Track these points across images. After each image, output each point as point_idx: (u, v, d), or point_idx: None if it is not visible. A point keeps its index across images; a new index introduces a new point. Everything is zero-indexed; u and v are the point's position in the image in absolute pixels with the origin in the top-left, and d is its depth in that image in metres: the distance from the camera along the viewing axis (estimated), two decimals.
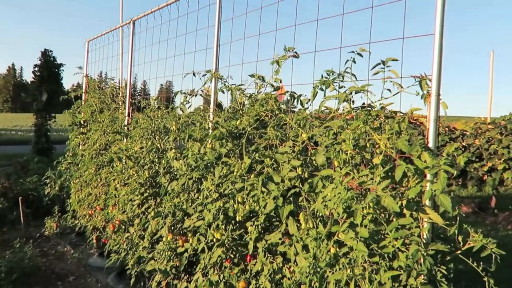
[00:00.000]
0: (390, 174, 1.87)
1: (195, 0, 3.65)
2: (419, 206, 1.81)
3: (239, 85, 2.94)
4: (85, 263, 4.87)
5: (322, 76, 2.22)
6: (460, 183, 8.53)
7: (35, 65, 13.22)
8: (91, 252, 5.22)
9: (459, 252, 1.81)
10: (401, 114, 2.00)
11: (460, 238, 1.81)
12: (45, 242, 5.75)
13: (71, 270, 4.74)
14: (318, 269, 2.02)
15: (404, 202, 1.86)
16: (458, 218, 1.70)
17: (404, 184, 1.94)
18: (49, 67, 13.04)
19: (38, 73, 13.24)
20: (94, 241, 5.07)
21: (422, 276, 1.78)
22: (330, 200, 2.02)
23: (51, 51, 13.41)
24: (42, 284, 4.27)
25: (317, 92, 2.30)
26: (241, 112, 2.99)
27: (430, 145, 1.84)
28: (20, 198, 6.15)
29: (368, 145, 2.04)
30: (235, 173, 2.68)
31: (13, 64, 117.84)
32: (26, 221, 6.49)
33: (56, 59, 13.42)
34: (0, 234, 5.66)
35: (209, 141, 2.97)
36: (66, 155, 5.98)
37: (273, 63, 2.60)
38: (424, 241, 1.82)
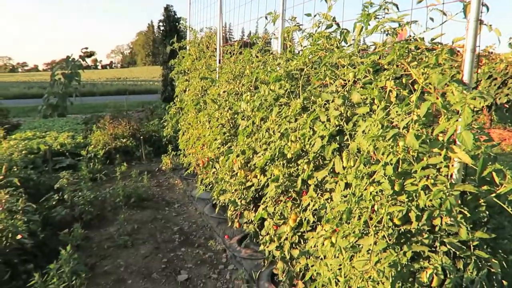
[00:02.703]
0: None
1: None
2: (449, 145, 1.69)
3: (297, 24, 2.92)
4: (188, 194, 5.62)
5: (363, 9, 2.10)
6: None
7: (159, 20, 14.58)
8: (195, 185, 5.97)
9: (493, 195, 1.66)
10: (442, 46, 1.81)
11: (497, 180, 1.65)
12: (161, 175, 6.74)
13: (178, 199, 5.54)
14: (352, 205, 2.07)
15: (444, 139, 1.75)
16: (481, 156, 1.54)
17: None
18: (170, 21, 14.23)
19: (162, 27, 14.60)
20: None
21: (448, 217, 1.70)
22: (363, 138, 2.00)
23: (172, 6, 14.55)
24: (154, 208, 5.12)
25: (362, 27, 2.19)
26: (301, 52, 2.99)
27: (465, 78, 1.65)
28: (141, 137, 7.22)
29: (404, 80, 1.91)
30: (289, 113, 2.78)
31: (151, 21, 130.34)
32: (149, 157, 7.65)
33: (176, 13, 14.53)
34: (129, 167, 6.80)
35: (272, 83, 3.08)
36: (175, 100, 6.72)
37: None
38: (453, 182, 1.71)
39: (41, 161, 6.24)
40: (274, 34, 3.68)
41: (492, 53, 9.25)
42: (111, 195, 5.15)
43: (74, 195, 4.72)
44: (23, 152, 6.01)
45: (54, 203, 4.50)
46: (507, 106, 7.92)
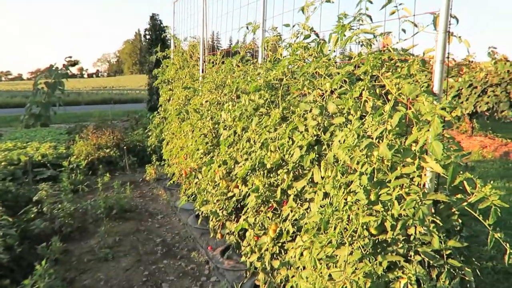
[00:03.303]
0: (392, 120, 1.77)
1: None
2: (421, 154, 1.70)
3: (277, 34, 2.94)
4: (172, 205, 5.57)
5: (338, 20, 2.12)
6: None
7: (145, 29, 14.54)
8: (179, 196, 5.91)
9: (465, 204, 1.67)
10: (414, 56, 1.84)
11: (469, 189, 1.67)
12: (145, 185, 6.67)
13: (161, 209, 5.47)
14: (327, 216, 2.07)
15: (416, 149, 1.77)
16: (451, 166, 1.56)
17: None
18: (156, 30, 14.21)
19: (148, 36, 14.57)
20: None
21: (421, 226, 1.71)
22: (339, 148, 2.01)
23: (157, 15, 14.55)
24: (136, 219, 5.05)
25: (337, 37, 2.21)
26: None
27: (435, 89, 1.68)
28: (125, 148, 7.15)
29: (378, 90, 1.93)
30: (269, 123, 2.78)
31: (138, 30, 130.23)
32: (133, 168, 7.57)
33: (162, 22, 14.53)
34: (112, 178, 6.71)
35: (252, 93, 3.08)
36: (159, 110, 6.69)
37: (300, 11, 2.54)
38: (426, 191, 1.72)
39: (21, 172, 6.11)
40: (256, 44, 3.69)
41: (472, 62, 9.45)
42: (93, 206, 5.06)
43: (53, 207, 4.62)
44: (3, 163, 5.89)
45: (33, 215, 4.40)
46: (488, 114, 8.08)
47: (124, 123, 12.50)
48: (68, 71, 13.13)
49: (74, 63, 12.63)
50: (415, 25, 1.82)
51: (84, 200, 5.29)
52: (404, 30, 1.87)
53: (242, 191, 3.21)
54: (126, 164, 7.33)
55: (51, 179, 6.25)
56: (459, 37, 1.75)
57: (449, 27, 1.65)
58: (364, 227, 1.82)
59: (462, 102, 8.40)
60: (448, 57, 1.65)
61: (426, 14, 1.79)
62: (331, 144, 2.25)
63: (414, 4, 1.79)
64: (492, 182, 6.26)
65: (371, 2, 2.00)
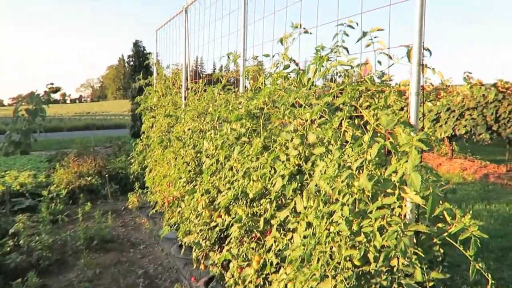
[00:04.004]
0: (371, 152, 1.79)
1: None
2: (401, 185, 1.71)
3: (257, 64, 2.98)
4: (155, 234, 5.45)
5: (316, 52, 2.17)
6: None
7: (129, 56, 14.61)
8: (162, 224, 5.79)
9: (445, 234, 1.68)
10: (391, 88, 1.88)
11: (449, 219, 1.68)
12: (128, 214, 6.53)
13: (144, 239, 5.34)
14: (311, 246, 2.05)
15: (396, 179, 1.78)
16: (431, 197, 1.57)
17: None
18: (139, 57, 14.28)
19: (131, 63, 14.61)
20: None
21: (404, 258, 1.70)
22: (320, 178, 2.02)
23: (141, 41, 14.66)
24: (118, 250, 4.91)
25: (316, 68, 2.25)
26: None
27: (412, 120, 1.71)
28: (107, 175, 7.02)
29: (356, 121, 1.96)
30: (251, 152, 2.78)
31: (122, 55, 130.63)
32: (115, 196, 7.43)
33: (146, 48, 14.63)
34: (93, 207, 6.55)
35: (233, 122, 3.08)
36: (141, 137, 6.63)
37: (279, 41, 2.58)
38: (407, 222, 1.73)
39: None
40: (237, 72, 3.73)
41: (449, 86, 9.74)
42: (72, 238, 4.91)
43: (31, 239, 4.47)
44: None
45: (8, 249, 4.24)
46: (466, 136, 8.27)
47: (107, 149, 12.33)
48: (50, 97, 13.00)
49: (56, 90, 12.52)
50: (390, 58, 1.87)
51: (63, 231, 5.13)
52: (379, 62, 1.92)
53: (225, 220, 3.16)
54: (108, 192, 7.19)
55: (29, 209, 6.07)
56: (433, 69, 1.80)
57: (423, 60, 1.70)
58: (348, 259, 1.81)
59: (441, 125, 8.60)
60: (423, 89, 1.68)
61: (401, 46, 1.84)
62: (313, 173, 2.25)
63: (389, 37, 1.85)
64: (473, 205, 6.35)
65: (347, 35, 2.05)
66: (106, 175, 7.32)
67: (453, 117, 8.29)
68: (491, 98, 7.83)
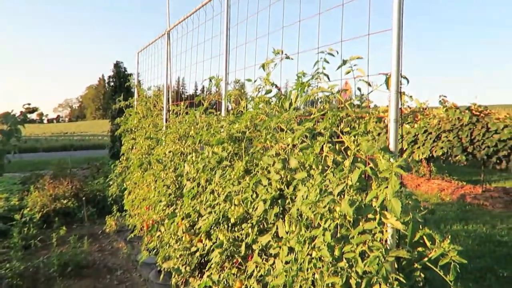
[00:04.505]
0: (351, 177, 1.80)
1: (218, 7, 3.78)
2: (382, 210, 1.72)
3: (239, 89, 3.00)
4: (133, 259, 5.29)
5: (297, 78, 2.20)
6: None
7: (109, 76, 14.50)
8: (140, 249, 5.64)
9: (426, 259, 1.69)
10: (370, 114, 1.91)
11: (429, 244, 1.69)
12: (105, 238, 6.34)
13: (121, 264, 5.18)
14: (293, 272, 2.02)
15: (376, 205, 1.79)
16: (411, 223, 1.59)
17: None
18: (120, 78, 14.20)
19: (112, 83, 14.50)
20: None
21: (386, 284, 1.70)
22: (302, 203, 2.01)
23: (122, 62, 14.60)
24: (93, 277, 4.74)
25: (297, 94, 2.28)
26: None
27: (391, 146, 1.74)
28: (84, 198, 6.85)
29: (337, 146, 1.98)
30: (233, 176, 2.76)
31: (102, 75, 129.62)
32: (92, 219, 7.22)
33: (127, 69, 14.57)
34: (69, 231, 6.35)
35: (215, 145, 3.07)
36: (121, 159, 6.52)
37: (261, 67, 2.62)
38: (388, 247, 1.73)
39: None
40: (219, 96, 3.74)
41: (426, 109, 10.03)
42: (45, 264, 4.72)
43: (1, 266, 4.27)
44: None
45: None
46: (443, 158, 8.48)
47: (85, 171, 12.05)
48: (26, 117, 12.69)
49: (33, 110, 12.22)
50: (369, 85, 1.91)
51: (36, 257, 4.94)
52: (359, 89, 1.96)
53: (206, 245, 3.11)
54: (84, 216, 6.99)
55: (1, 234, 5.83)
56: (410, 96, 1.85)
57: (401, 87, 1.75)
58: (330, 285, 1.79)
59: (419, 147, 8.79)
60: (401, 117, 1.72)
61: (380, 74, 1.89)
62: (295, 198, 2.25)
63: (368, 66, 1.89)
64: (451, 225, 6.45)
65: (327, 62, 2.09)
66: (83, 198, 7.13)
67: (430, 139, 8.51)
68: (465, 121, 8.08)
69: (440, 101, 8.71)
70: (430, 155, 8.49)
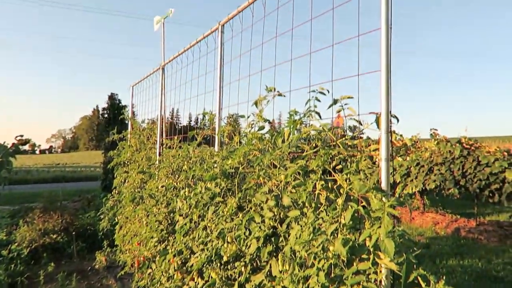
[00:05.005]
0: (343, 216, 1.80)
1: (212, 43, 3.88)
2: (375, 250, 1.71)
3: (232, 124, 3.03)
4: None
5: (290, 116, 2.24)
6: None
7: (103, 108, 14.58)
8: (131, 286, 5.48)
9: None
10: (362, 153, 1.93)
11: (423, 285, 1.67)
12: (94, 275, 6.16)
13: None
14: None
15: (370, 244, 1.78)
16: (404, 264, 1.57)
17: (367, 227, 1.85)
18: (114, 110, 14.28)
19: (106, 115, 14.56)
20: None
21: None
22: (295, 242, 1.99)
23: (117, 94, 14.74)
24: None
25: (289, 131, 2.31)
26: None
27: (383, 185, 1.75)
28: (74, 233, 6.70)
29: (330, 184, 1.99)
30: (225, 213, 2.74)
31: (97, 106, 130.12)
32: (82, 254, 7.04)
33: (121, 101, 14.68)
34: (57, 267, 6.17)
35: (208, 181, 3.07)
36: (113, 192, 6.45)
37: (254, 104, 2.66)
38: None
39: None
40: (213, 131, 3.77)
41: (417, 142, 10.14)
42: None
43: None
44: None
45: None
46: (436, 191, 8.49)
47: (76, 203, 11.86)
48: (18, 149, 12.60)
49: (25, 142, 12.18)
50: (360, 123, 1.94)
51: None
52: (350, 127, 1.99)
53: (198, 284, 3.04)
54: (74, 251, 6.81)
55: None
56: (401, 135, 1.90)
57: (391, 126, 1.78)
58: None
59: (412, 180, 8.82)
60: (392, 153, 1.74)
61: (371, 114, 1.92)
62: (288, 236, 2.23)
63: (358, 104, 1.94)
64: (447, 260, 6.38)
65: (319, 101, 2.13)
66: (73, 232, 6.98)
67: (423, 172, 8.56)
68: (457, 154, 8.16)
69: (431, 134, 8.84)
70: (423, 188, 8.51)
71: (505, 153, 7.71)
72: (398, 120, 1.91)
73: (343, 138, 2.01)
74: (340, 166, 2.06)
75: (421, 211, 10.12)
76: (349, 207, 1.75)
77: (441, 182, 8.24)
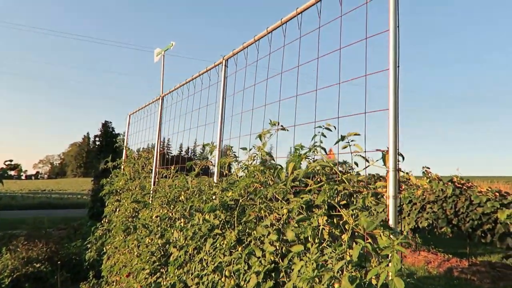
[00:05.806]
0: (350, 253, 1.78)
1: (214, 76, 3.94)
2: None
3: (233, 157, 3.03)
4: None
5: (295, 150, 2.25)
6: None
7: (95, 136, 14.51)
8: None
9: None
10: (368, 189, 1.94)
11: None
12: None
13: None
14: None
15: (379, 284, 1.75)
16: None
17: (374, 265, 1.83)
18: (107, 137, 14.22)
19: (98, 142, 14.47)
20: None
21: None
22: (299, 280, 1.95)
23: (110, 122, 14.72)
24: None
25: (294, 165, 2.31)
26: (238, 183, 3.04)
27: (391, 222, 1.75)
28: (59, 262, 6.49)
29: (335, 220, 1.97)
30: (224, 246, 2.69)
31: (88, 133, 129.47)
32: (66, 285, 6.79)
33: (115, 129, 14.64)
34: None
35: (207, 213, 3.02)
36: (103, 221, 6.31)
37: (258, 137, 2.67)
38: None
39: None
40: (212, 162, 3.76)
41: (409, 179, 10.18)
42: None
43: None
44: None
45: None
46: (428, 229, 8.47)
47: (61, 231, 11.55)
48: (6, 173, 12.37)
49: (15, 167, 11.98)
50: (367, 160, 1.96)
51: None
52: (356, 164, 2.00)
53: None
54: (58, 281, 6.56)
55: None
56: (407, 173, 1.90)
57: (398, 164, 1.79)
58: None
59: (404, 217, 8.80)
60: (400, 192, 1.75)
61: (377, 151, 1.94)
62: (290, 271, 2.18)
63: (365, 141, 1.96)
64: None
65: (325, 136, 2.15)
66: (58, 262, 6.75)
67: (415, 209, 8.56)
68: (449, 193, 8.21)
69: (423, 172, 8.92)
70: (416, 226, 8.48)
71: (497, 194, 7.77)
72: (403, 158, 1.93)
73: (348, 174, 2.01)
74: (344, 202, 2.06)
75: (413, 249, 10.03)
76: (356, 243, 1.73)
77: (433, 221, 8.24)
